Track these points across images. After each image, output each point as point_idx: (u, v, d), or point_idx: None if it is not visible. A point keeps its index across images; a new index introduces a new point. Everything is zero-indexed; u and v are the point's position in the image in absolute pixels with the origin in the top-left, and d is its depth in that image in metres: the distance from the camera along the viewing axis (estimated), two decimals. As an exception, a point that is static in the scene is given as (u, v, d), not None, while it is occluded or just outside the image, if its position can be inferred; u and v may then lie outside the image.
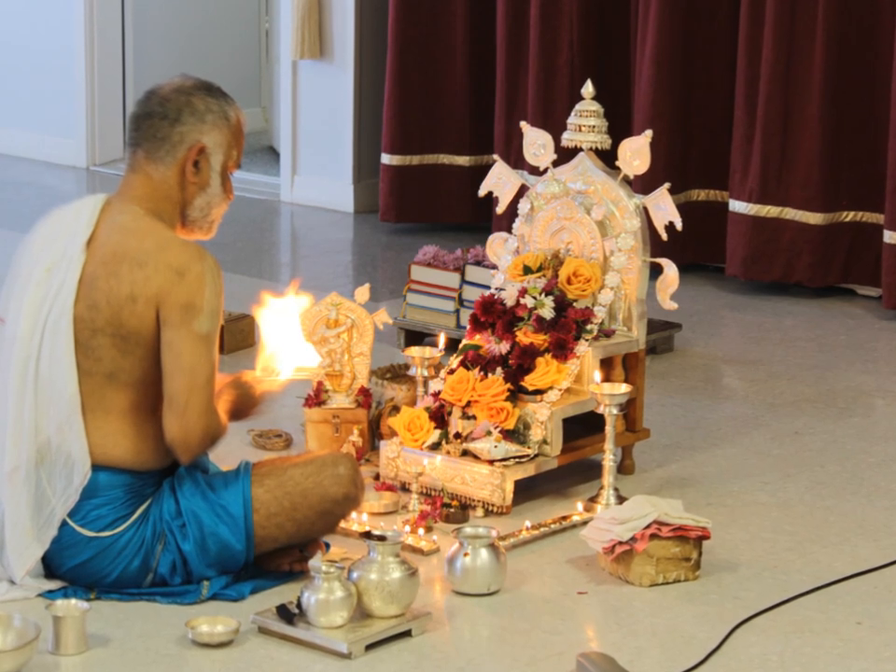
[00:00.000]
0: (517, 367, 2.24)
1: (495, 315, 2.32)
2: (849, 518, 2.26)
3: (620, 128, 3.08)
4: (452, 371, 2.30)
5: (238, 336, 3.03)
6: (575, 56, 3.74)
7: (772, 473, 2.46)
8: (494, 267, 2.51)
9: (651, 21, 3.53)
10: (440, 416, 2.26)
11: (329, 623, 1.76)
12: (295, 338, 2.10)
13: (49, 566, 1.89)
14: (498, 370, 2.26)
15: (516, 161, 3.23)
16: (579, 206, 2.36)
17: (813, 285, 3.51)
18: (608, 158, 2.43)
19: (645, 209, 2.36)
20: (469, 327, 2.37)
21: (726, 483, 2.40)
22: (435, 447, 2.24)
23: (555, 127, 2.59)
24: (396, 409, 2.39)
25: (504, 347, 2.28)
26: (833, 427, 2.70)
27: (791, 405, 2.83)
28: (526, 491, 2.26)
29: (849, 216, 3.50)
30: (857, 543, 2.16)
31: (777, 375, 3.01)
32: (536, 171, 2.52)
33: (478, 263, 2.97)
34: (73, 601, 1.78)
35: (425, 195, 4.10)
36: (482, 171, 3.36)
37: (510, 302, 2.32)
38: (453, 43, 4.04)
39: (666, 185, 2.34)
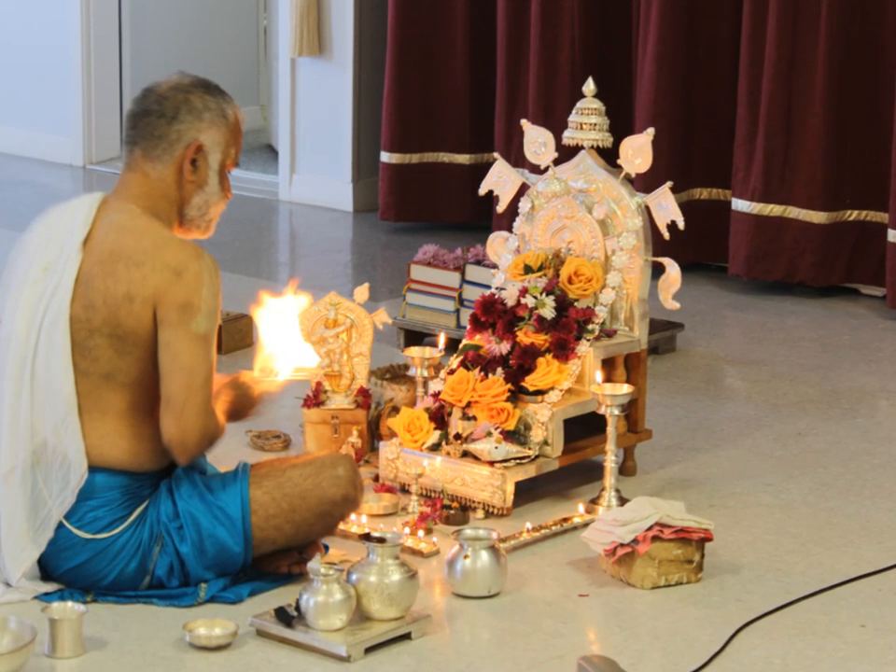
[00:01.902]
0: (518, 367, 2.23)
1: (495, 315, 2.30)
2: (853, 520, 2.25)
3: (621, 126, 3.09)
4: (452, 372, 2.29)
5: (236, 336, 3.02)
6: (576, 54, 3.73)
7: (775, 475, 2.44)
8: (494, 266, 2.50)
9: (652, 18, 3.52)
10: (439, 417, 2.24)
11: (328, 625, 1.74)
12: (293, 338, 2.09)
13: (46, 568, 1.87)
14: (499, 370, 2.25)
15: (517, 159, 3.22)
16: (580, 205, 2.34)
17: (816, 284, 3.50)
18: (609, 156, 2.41)
19: (647, 208, 2.34)
20: (469, 327, 2.35)
21: (729, 485, 2.38)
22: (435, 448, 2.22)
23: (556, 125, 2.58)
24: (395, 409, 2.37)
25: (504, 347, 2.26)
26: (837, 429, 2.68)
27: (794, 406, 2.82)
28: (527, 492, 2.24)
29: (853, 214, 3.48)
30: (860, 545, 2.15)
31: (779, 376, 3.00)
32: (537, 169, 2.50)
33: (478, 262, 2.95)
34: (69, 604, 1.77)
35: (424, 194, 4.08)
36: (482, 169, 3.36)
37: (510, 302, 2.30)
38: (452, 40, 4.02)
39: (669, 183, 2.32)
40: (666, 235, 2.33)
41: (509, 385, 2.22)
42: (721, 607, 1.92)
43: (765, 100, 3.43)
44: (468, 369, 2.27)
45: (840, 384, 2.94)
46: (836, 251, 3.48)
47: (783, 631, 1.85)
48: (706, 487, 2.37)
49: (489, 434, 2.17)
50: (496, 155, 2.55)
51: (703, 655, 1.77)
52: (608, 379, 2.28)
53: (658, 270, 2.39)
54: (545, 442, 2.21)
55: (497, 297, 2.33)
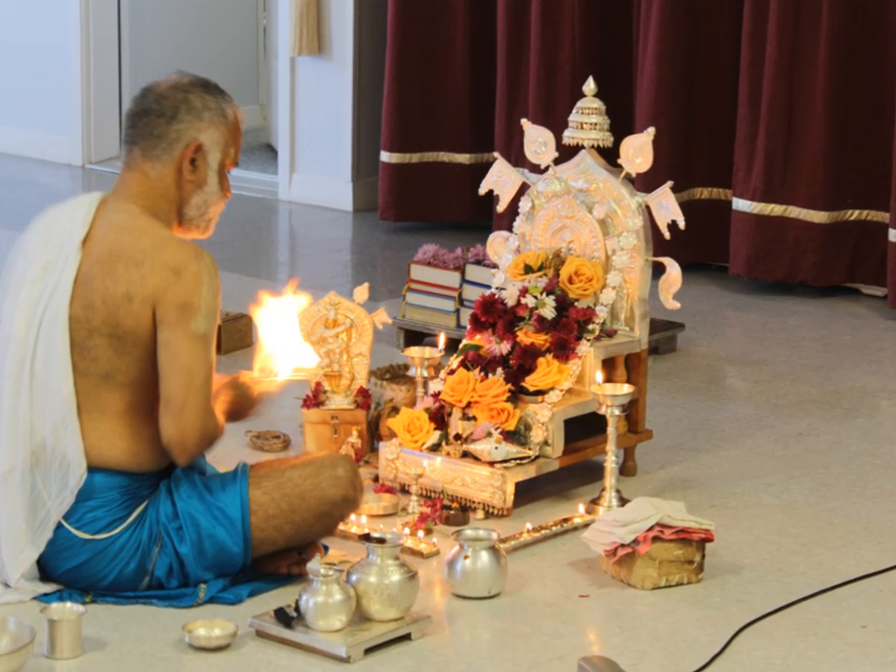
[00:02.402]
0: (518, 367, 2.22)
1: (495, 315, 2.30)
2: (854, 520, 2.24)
3: (622, 125, 3.09)
4: (452, 372, 2.28)
5: (235, 336, 3.02)
6: (577, 52, 3.73)
7: (776, 475, 2.44)
8: (494, 266, 2.49)
9: (653, 16, 3.52)
10: (440, 417, 2.24)
11: (328, 626, 1.74)
12: (293, 338, 2.08)
13: (45, 568, 1.87)
14: (499, 370, 2.24)
15: (517, 158, 3.22)
16: (580, 205, 2.33)
17: (818, 284, 3.50)
18: (610, 155, 2.41)
19: (647, 207, 2.34)
20: (469, 327, 2.35)
21: (729, 485, 2.38)
22: (435, 448, 2.22)
23: (557, 124, 2.57)
24: (395, 410, 2.37)
25: (505, 347, 2.26)
26: (838, 429, 2.68)
27: (795, 406, 2.81)
28: (527, 493, 2.24)
29: (854, 214, 3.48)
30: (861, 545, 2.14)
31: (780, 376, 2.99)
32: (537, 169, 2.50)
33: (478, 262, 2.95)
34: (68, 604, 1.76)
35: (424, 193, 4.08)
36: (482, 169, 3.37)
37: (510, 302, 2.30)
38: (452, 39, 4.02)
39: (669, 183, 2.32)
40: (667, 235, 2.33)
41: (509, 386, 2.21)
42: (722, 607, 1.92)
43: (766, 99, 3.43)
44: (468, 369, 2.26)
45: (842, 384, 2.94)
46: (837, 251, 3.48)
47: (784, 632, 1.85)
48: (706, 488, 2.36)
49: (489, 434, 2.16)
50: (496, 154, 2.55)
51: (704, 656, 1.76)
52: (608, 379, 2.27)
53: (659, 270, 2.38)
54: (545, 443, 2.20)
55: (497, 297, 2.33)
